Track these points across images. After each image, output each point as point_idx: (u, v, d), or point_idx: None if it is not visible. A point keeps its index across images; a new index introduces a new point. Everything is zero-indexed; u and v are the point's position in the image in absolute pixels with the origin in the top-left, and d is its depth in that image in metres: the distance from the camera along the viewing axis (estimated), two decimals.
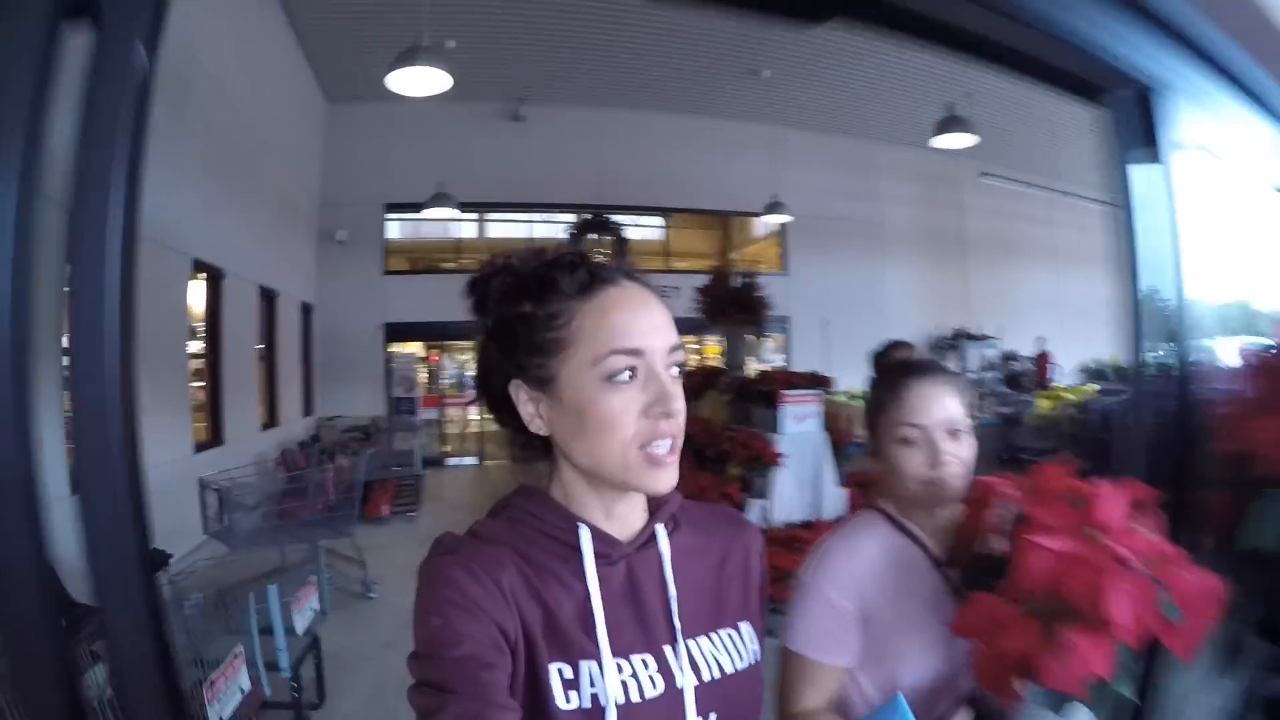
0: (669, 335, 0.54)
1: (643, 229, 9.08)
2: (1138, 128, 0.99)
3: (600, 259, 0.57)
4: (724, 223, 9.74)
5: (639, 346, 0.52)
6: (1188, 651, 0.56)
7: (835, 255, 8.55)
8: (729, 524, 0.67)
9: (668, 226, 9.29)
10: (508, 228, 8.68)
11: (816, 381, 3.75)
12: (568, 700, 0.50)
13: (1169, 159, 0.98)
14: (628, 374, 0.52)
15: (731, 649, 0.59)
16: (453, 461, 8.26)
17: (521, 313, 0.53)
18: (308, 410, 6.51)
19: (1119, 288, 0.99)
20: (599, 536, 0.56)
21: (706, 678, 0.56)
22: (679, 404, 0.53)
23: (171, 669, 0.56)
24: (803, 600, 0.81)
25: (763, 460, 3.39)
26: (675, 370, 0.54)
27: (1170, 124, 0.99)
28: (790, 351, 8.57)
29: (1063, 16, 0.89)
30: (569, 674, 0.51)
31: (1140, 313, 0.98)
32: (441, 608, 0.49)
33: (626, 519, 0.59)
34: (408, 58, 3.76)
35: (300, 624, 1.84)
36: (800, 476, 3.53)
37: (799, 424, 3.55)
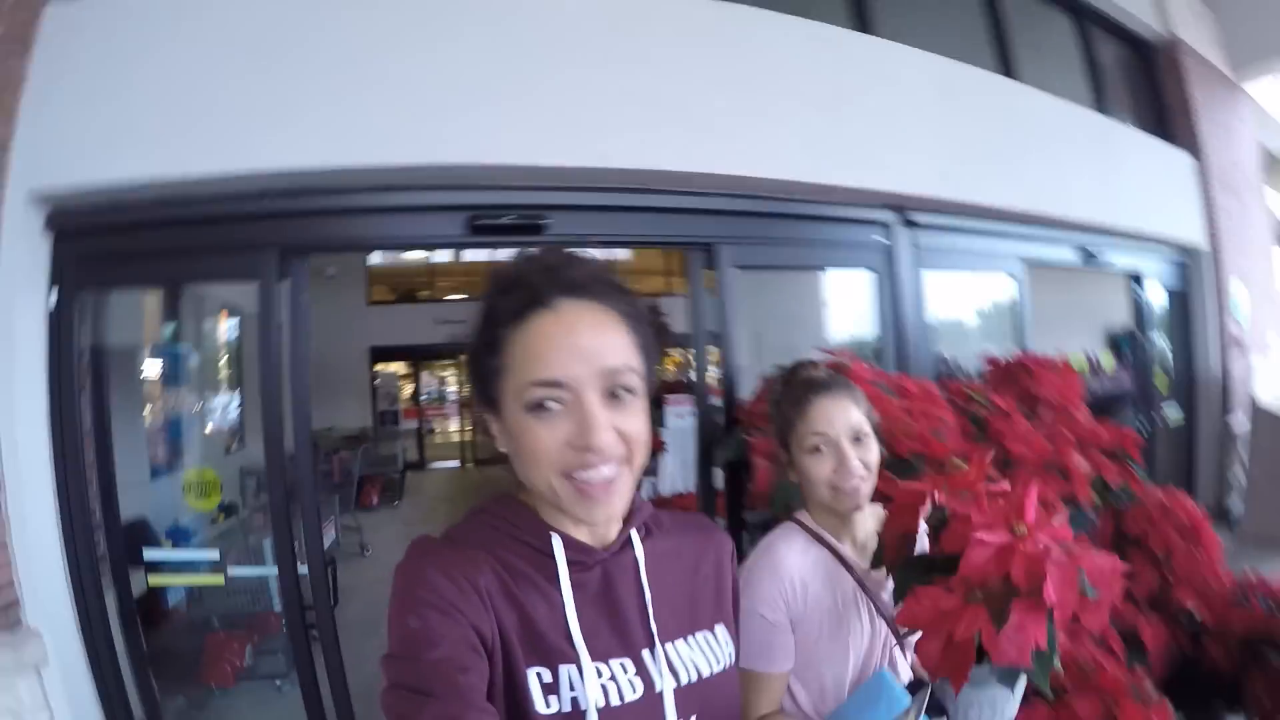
0: (604, 359, 0.53)
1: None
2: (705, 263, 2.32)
3: (549, 273, 0.56)
4: None
5: (557, 378, 0.52)
6: (1101, 624, 0.69)
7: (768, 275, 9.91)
8: (699, 530, 0.71)
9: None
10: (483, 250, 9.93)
11: (691, 389, 5.15)
12: (547, 705, 0.52)
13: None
14: (552, 404, 0.52)
15: (708, 651, 0.63)
16: (436, 465, 9.65)
17: (475, 338, 0.57)
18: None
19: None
20: (572, 544, 0.58)
21: (685, 680, 0.59)
22: (602, 437, 0.52)
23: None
24: (744, 623, 0.84)
25: (651, 447, 4.79)
26: (617, 394, 0.54)
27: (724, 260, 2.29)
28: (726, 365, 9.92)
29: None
30: (548, 678, 0.53)
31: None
32: (418, 609, 0.50)
33: (598, 527, 0.60)
34: None
35: (326, 541, 3.20)
36: (681, 459, 4.91)
37: (679, 420, 4.95)
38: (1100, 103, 3.81)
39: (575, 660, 0.54)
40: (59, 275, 1.87)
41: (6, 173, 1.77)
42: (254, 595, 2.50)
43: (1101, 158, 3.40)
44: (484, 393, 0.57)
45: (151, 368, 2.59)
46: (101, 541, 1.98)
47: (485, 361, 0.56)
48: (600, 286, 0.56)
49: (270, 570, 2.10)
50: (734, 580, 0.71)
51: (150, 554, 2.15)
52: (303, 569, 2.01)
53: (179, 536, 2.47)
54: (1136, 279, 3.86)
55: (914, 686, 0.79)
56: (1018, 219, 2.91)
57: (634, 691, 0.56)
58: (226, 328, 2.93)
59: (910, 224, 2.54)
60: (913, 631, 0.72)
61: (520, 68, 1.99)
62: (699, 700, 0.59)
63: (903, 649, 0.94)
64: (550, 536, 0.57)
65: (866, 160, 2.37)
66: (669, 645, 0.60)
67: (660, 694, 0.57)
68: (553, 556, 0.57)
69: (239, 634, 2.59)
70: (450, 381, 10.62)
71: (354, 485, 4.52)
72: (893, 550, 0.81)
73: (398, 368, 9.31)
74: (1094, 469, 1.68)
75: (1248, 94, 5.11)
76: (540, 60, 2.02)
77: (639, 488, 0.61)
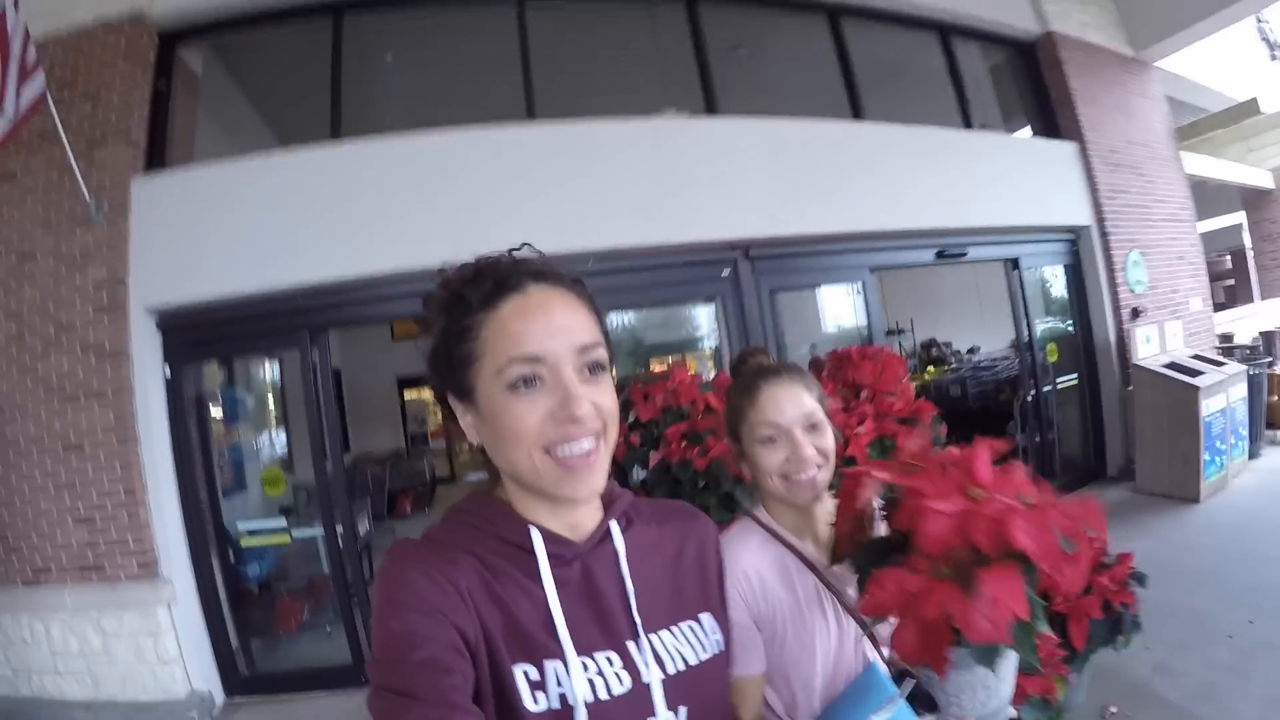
0: (577, 336, 0.57)
1: None
2: None
3: (513, 264, 0.59)
4: None
5: (536, 353, 0.55)
6: (1078, 585, 0.58)
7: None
8: (681, 517, 0.72)
9: None
10: None
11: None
12: (535, 701, 0.53)
13: None
14: (531, 381, 0.55)
15: (694, 640, 0.64)
16: (468, 477, 10.88)
17: (442, 329, 0.59)
18: (346, 447, 9.16)
19: None
20: (551, 538, 0.60)
21: (672, 671, 0.60)
22: (583, 407, 0.55)
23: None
24: None
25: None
26: (590, 370, 0.57)
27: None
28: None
29: None
30: (534, 675, 0.54)
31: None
32: (400, 612, 0.51)
33: (576, 519, 0.62)
34: None
35: (361, 530, 4.28)
36: None
37: None
38: (966, 115, 4.55)
39: (560, 655, 0.55)
40: (169, 355, 3.04)
41: (128, 297, 2.93)
42: (310, 567, 3.60)
43: (959, 165, 4.16)
44: (455, 383, 0.59)
45: (226, 411, 3.75)
46: (208, 523, 3.12)
47: (455, 350, 0.58)
48: (560, 275, 0.60)
49: (318, 531, 3.20)
50: (719, 566, 0.72)
51: (244, 524, 3.29)
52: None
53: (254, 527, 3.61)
54: (1014, 263, 4.56)
55: (898, 677, 0.77)
56: (861, 237, 3.74)
57: (622, 684, 0.56)
58: (276, 386, 4.13)
59: (750, 259, 3.45)
60: (879, 622, 0.71)
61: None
62: (688, 690, 0.60)
63: (876, 644, 0.90)
64: (529, 531, 0.59)
65: (703, 219, 3.32)
66: (654, 636, 0.61)
67: (648, 685, 0.58)
68: (532, 552, 0.58)
69: (299, 598, 3.69)
70: None
71: (384, 493, 5.65)
72: (845, 540, 0.76)
73: (425, 393, 10.58)
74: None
75: (1157, 69, 5.68)
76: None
77: (614, 475, 0.63)
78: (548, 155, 3.25)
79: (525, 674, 0.54)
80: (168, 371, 3.09)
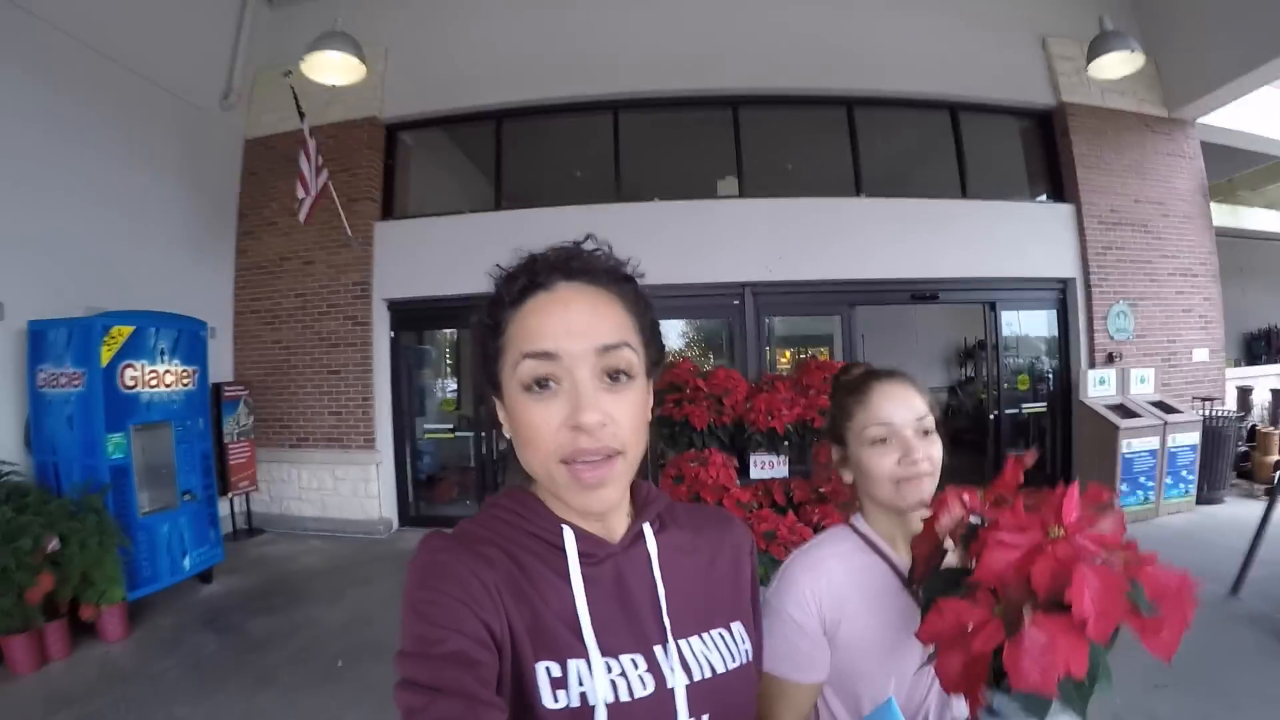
0: (598, 336, 0.56)
1: None
2: None
3: (553, 260, 0.59)
4: None
5: (549, 349, 0.55)
6: (1167, 652, 0.55)
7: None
8: (718, 523, 0.72)
9: None
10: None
11: None
12: (555, 699, 0.54)
13: None
14: (544, 383, 0.55)
15: (723, 648, 0.63)
16: None
17: (478, 323, 0.61)
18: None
19: None
20: (583, 537, 0.61)
21: (698, 677, 0.60)
22: (592, 415, 0.54)
23: None
24: (769, 620, 0.83)
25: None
26: (611, 376, 0.56)
27: None
28: None
29: None
30: (556, 672, 0.55)
31: None
32: (428, 606, 0.53)
33: (608, 520, 0.63)
34: None
35: (500, 445, 6.56)
36: None
37: None
38: (963, 183, 5.70)
39: (584, 655, 0.56)
40: (393, 325, 5.44)
41: (372, 291, 5.27)
42: (461, 463, 5.87)
43: (938, 228, 5.41)
44: (489, 378, 0.61)
45: (422, 360, 6.10)
46: (405, 423, 5.47)
47: (488, 345, 0.60)
48: (603, 272, 0.60)
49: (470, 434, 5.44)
50: (753, 575, 0.72)
51: (426, 424, 5.64)
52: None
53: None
54: (991, 306, 5.70)
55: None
56: (838, 283, 5.24)
57: (645, 688, 0.57)
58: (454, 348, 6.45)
59: (754, 294, 5.15)
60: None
61: None
62: (712, 698, 0.60)
63: None
64: (561, 529, 0.60)
65: (721, 267, 5.08)
66: (682, 641, 0.61)
67: (672, 690, 0.58)
68: (564, 549, 0.59)
69: (453, 482, 5.98)
70: None
71: None
72: (922, 563, 0.74)
73: None
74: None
75: (1201, 124, 6.25)
76: None
77: (647, 476, 0.64)
78: (628, 224, 5.05)
79: (548, 670, 0.54)
80: (391, 334, 5.50)
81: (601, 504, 0.58)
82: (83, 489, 3.42)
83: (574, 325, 0.56)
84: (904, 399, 0.91)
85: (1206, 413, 5.54)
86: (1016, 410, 5.84)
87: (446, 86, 5.52)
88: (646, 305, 0.63)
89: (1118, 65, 4.56)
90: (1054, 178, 5.93)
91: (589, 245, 0.63)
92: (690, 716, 0.58)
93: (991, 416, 5.83)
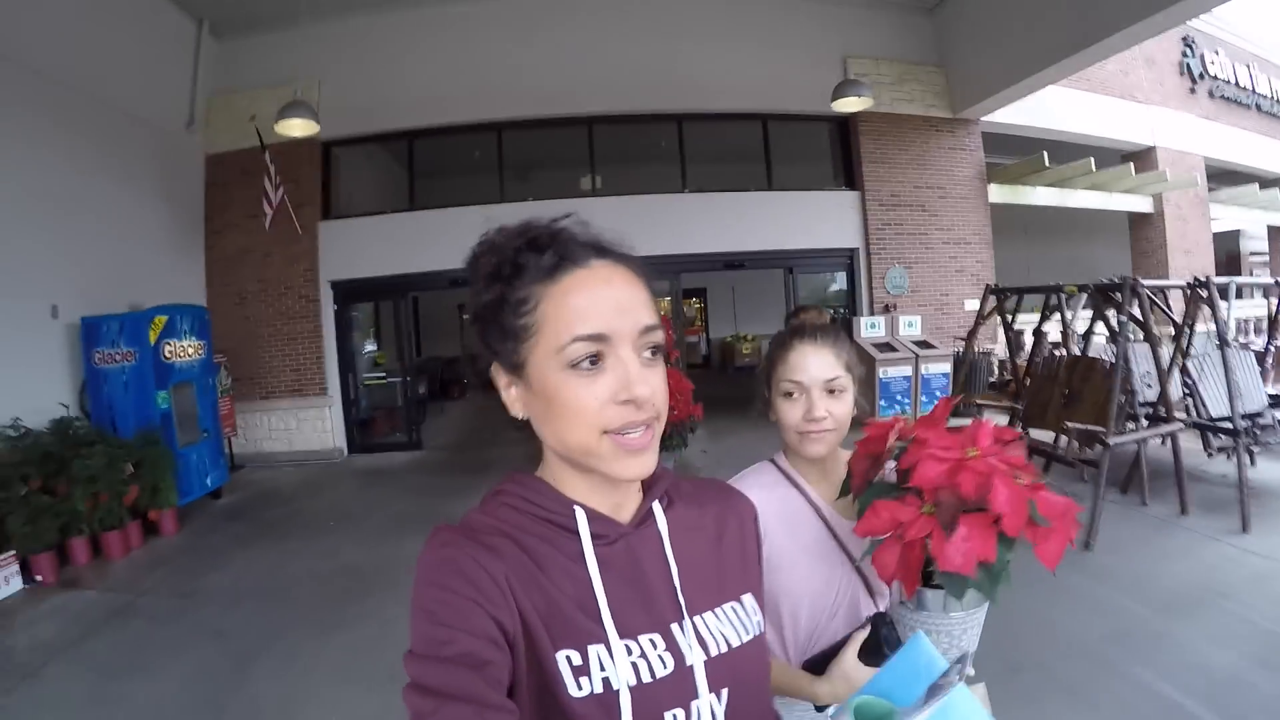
0: (639, 317, 0.61)
1: None
2: None
3: (576, 235, 0.64)
4: None
5: (601, 331, 0.59)
6: (1052, 561, 0.76)
7: None
8: (720, 495, 0.80)
9: None
10: None
11: None
12: (579, 687, 0.58)
13: None
14: (592, 360, 0.59)
15: (736, 622, 0.69)
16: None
17: (495, 297, 0.63)
18: (418, 350, 14.19)
19: None
20: (595, 518, 0.66)
21: (715, 653, 0.65)
22: (644, 389, 0.60)
23: None
24: None
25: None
26: (649, 353, 0.62)
27: None
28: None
29: None
30: (578, 660, 0.59)
31: None
32: (436, 605, 0.56)
33: (618, 499, 0.68)
34: None
35: (421, 390, 8.97)
36: None
37: None
38: (769, 178, 8.09)
39: (604, 639, 0.60)
40: (337, 300, 7.88)
41: (319, 274, 7.61)
42: (390, 404, 8.29)
43: (748, 213, 7.80)
44: (506, 355, 0.63)
45: (359, 326, 8.41)
46: (350, 374, 7.88)
47: (509, 322, 0.62)
48: (623, 251, 0.66)
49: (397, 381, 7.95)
50: (758, 545, 0.79)
51: (366, 375, 8.11)
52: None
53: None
54: (789, 270, 8.17)
55: (876, 621, 0.91)
56: (671, 257, 7.63)
57: (665, 667, 0.61)
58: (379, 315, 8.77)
59: None
60: (875, 567, 0.83)
61: None
62: (729, 671, 0.65)
63: (872, 596, 1.09)
64: (574, 510, 0.65)
65: None
66: (698, 618, 0.66)
67: (691, 668, 0.62)
68: (576, 533, 0.64)
69: (384, 418, 8.40)
70: None
71: (439, 378, 10.34)
72: (859, 478, 0.95)
73: None
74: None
75: (985, 123, 8.64)
76: None
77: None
78: (511, 220, 7.40)
79: (568, 659, 0.58)
80: (335, 307, 7.90)
81: (644, 469, 0.63)
82: (143, 430, 5.65)
83: (620, 305, 0.61)
84: (819, 359, 1.10)
85: (958, 349, 8.07)
86: None
87: (368, 111, 7.73)
88: (651, 284, 0.68)
89: (854, 104, 6.88)
90: (848, 170, 8.33)
91: (571, 223, 0.66)
92: (710, 691, 0.63)
93: None
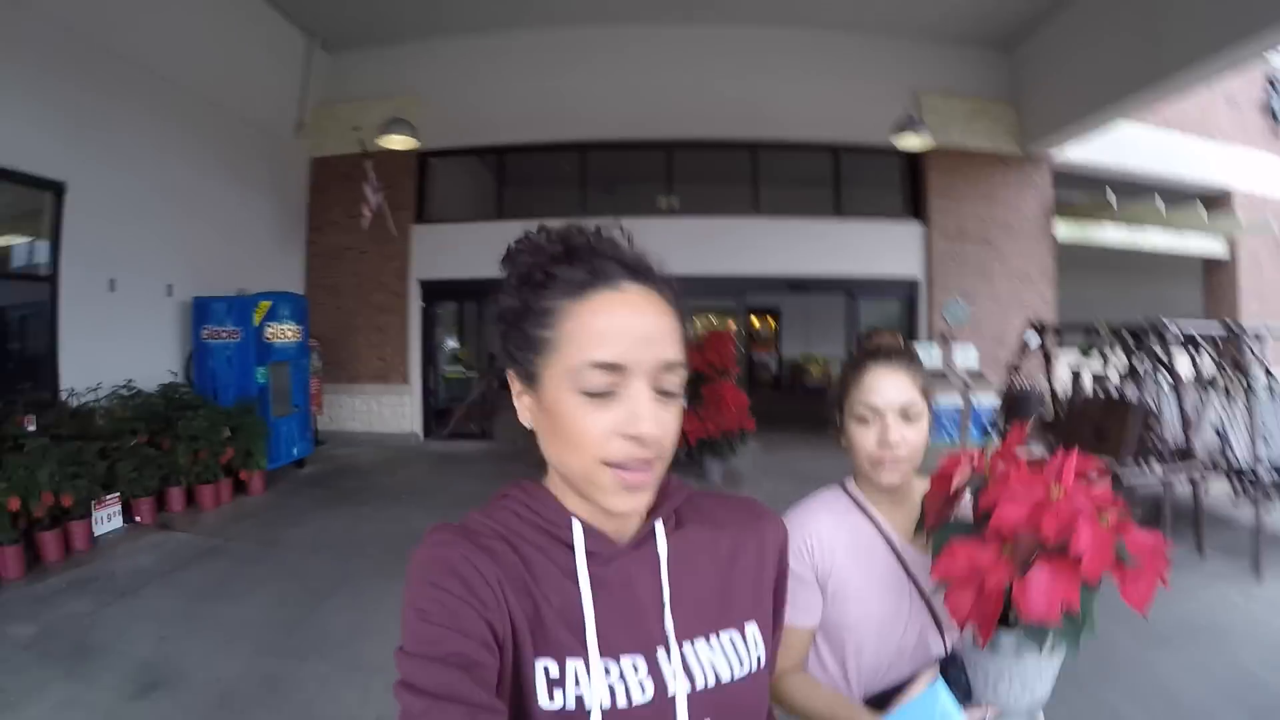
0: (661, 350, 0.60)
1: None
2: None
3: (614, 251, 0.64)
4: None
5: (617, 361, 0.59)
6: (1142, 603, 0.76)
7: None
8: (744, 516, 0.77)
9: None
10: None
11: None
12: (551, 699, 0.59)
13: None
14: (605, 387, 0.59)
15: (731, 654, 0.67)
16: None
17: (521, 304, 0.63)
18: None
19: None
20: (591, 534, 0.66)
21: (701, 685, 0.64)
22: (651, 427, 0.59)
23: None
24: None
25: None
26: (667, 389, 0.61)
27: None
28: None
29: None
30: (555, 672, 0.60)
31: None
32: (429, 604, 0.58)
33: (618, 521, 0.68)
34: None
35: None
36: None
37: None
38: (839, 206, 8.60)
39: (583, 655, 0.60)
40: (425, 297, 8.76)
41: (410, 273, 8.48)
42: (468, 394, 9.08)
43: (814, 240, 8.33)
44: (522, 364, 0.64)
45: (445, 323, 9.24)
46: (431, 367, 8.71)
47: (531, 332, 0.62)
48: (659, 275, 0.65)
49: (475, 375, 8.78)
50: (780, 572, 0.77)
51: (446, 368, 8.95)
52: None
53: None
54: (851, 295, 8.65)
55: (945, 664, 0.90)
56: (739, 278, 8.22)
57: (644, 694, 0.61)
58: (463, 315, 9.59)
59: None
60: (947, 607, 0.83)
61: None
62: (716, 707, 0.64)
63: (942, 633, 1.07)
64: (571, 523, 0.65)
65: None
66: (687, 645, 0.65)
67: (673, 699, 0.62)
68: (571, 546, 0.65)
69: (463, 412, 9.19)
70: None
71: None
72: (933, 514, 0.94)
73: None
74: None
75: (1042, 160, 8.98)
76: None
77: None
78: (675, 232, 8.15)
79: (545, 670, 0.59)
80: (422, 305, 8.76)
81: (637, 505, 0.63)
82: (242, 400, 6.52)
83: (643, 335, 0.60)
84: (894, 383, 1.08)
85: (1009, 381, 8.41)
86: None
87: (463, 125, 8.56)
88: (685, 316, 0.67)
89: (912, 141, 7.36)
90: (915, 202, 8.78)
91: (614, 236, 0.66)
92: None
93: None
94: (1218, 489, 5.08)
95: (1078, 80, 7.90)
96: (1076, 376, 6.40)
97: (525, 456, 8.09)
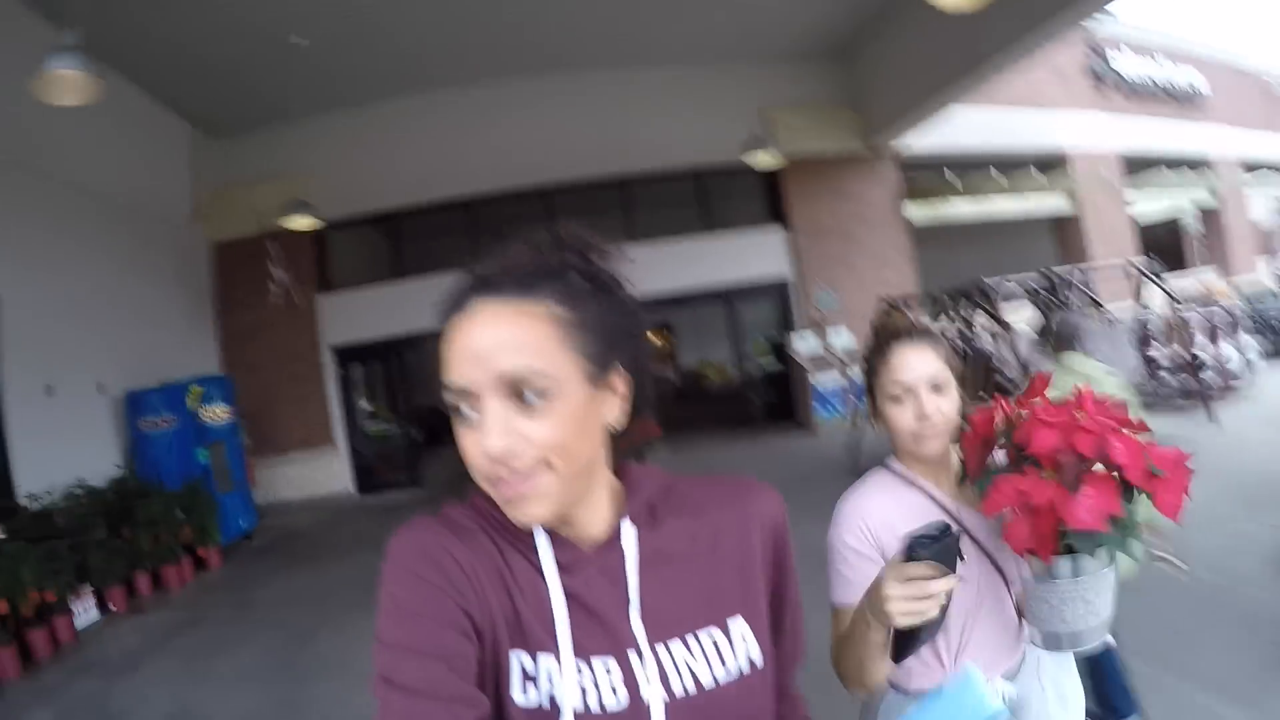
0: (497, 362, 0.59)
1: None
2: None
3: (481, 268, 0.65)
4: None
5: (458, 383, 0.60)
6: (1174, 510, 0.85)
7: None
8: (730, 496, 0.76)
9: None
10: None
11: None
12: (524, 694, 0.61)
13: None
14: (466, 410, 0.61)
15: (713, 656, 0.67)
16: None
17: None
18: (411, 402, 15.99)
19: None
20: (557, 540, 0.67)
21: (679, 691, 0.64)
22: (493, 441, 0.59)
23: None
24: (832, 558, 1.19)
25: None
26: (525, 397, 0.59)
27: None
28: None
29: None
30: (530, 667, 0.62)
31: None
32: (405, 595, 0.60)
33: (582, 523, 0.69)
34: None
35: (416, 436, 10.69)
36: None
37: None
38: (708, 222, 9.88)
39: (554, 651, 0.62)
40: (338, 363, 9.66)
41: (322, 339, 9.39)
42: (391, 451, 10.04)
43: (689, 256, 9.56)
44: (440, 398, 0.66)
45: (358, 384, 10.15)
46: (354, 426, 9.63)
47: (435, 367, 0.64)
48: (523, 276, 0.63)
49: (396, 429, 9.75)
50: (776, 547, 0.75)
51: (367, 427, 9.86)
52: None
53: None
54: (727, 299, 9.94)
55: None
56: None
57: (617, 699, 0.62)
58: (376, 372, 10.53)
59: None
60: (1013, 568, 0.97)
61: None
62: (697, 715, 0.64)
63: (1009, 587, 1.15)
64: (534, 531, 0.66)
65: None
66: (661, 647, 0.65)
67: (648, 706, 0.62)
68: (536, 547, 0.66)
69: (386, 464, 10.12)
70: None
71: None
72: (974, 461, 1.04)
73: None
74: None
75: (884, 152, 10.41)
76: None
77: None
78: None
79: (521, 663, 0.62)
80: (337, 369, 9.68)
81: (531, 516, 0.62)
82: (188, 481, 7.31)
83: (473, 352, 0.60)
84: (920, 358, 1.18)
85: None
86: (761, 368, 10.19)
87: (356, 195, 9.52)
88: (589, 300, 0.65)
89: (764, 158, 8.66)
90: (776, 209, 10.11)
91: (490, 256, 0.66)
92: None
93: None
94: None
95: (909, 76, 9.18)
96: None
97: (450, 496, 9.02)
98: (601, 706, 0.62)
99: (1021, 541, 0.89)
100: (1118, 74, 13.45)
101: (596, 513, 0.69)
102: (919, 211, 10.81)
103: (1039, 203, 12.00)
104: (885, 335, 1.24)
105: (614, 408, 0.67)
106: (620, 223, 9.85)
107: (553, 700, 0.61)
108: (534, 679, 0.62)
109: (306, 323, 9.50)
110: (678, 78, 9.80)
